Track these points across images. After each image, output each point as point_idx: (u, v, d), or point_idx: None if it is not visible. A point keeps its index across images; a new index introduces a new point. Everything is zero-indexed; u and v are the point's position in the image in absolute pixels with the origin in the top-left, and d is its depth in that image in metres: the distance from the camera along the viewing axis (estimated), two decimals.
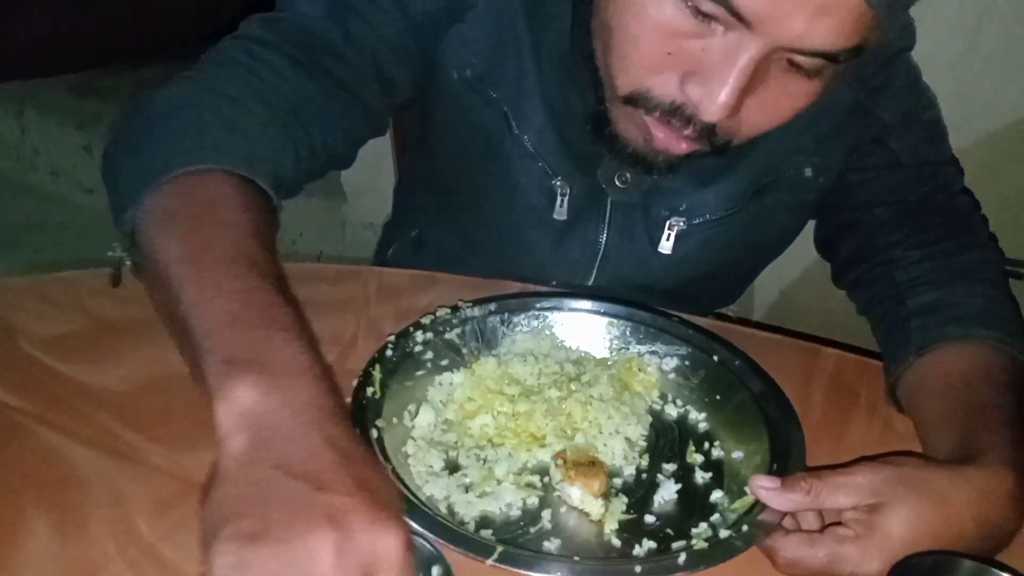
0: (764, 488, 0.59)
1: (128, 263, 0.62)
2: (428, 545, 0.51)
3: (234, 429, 0.45)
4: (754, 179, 0.84)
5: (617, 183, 0.82)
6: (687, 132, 0.65)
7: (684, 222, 0.84)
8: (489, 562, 0.54)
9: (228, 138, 0.63)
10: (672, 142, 0.67)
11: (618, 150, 0.72)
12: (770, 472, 0.63)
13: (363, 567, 0.41)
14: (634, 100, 0.66)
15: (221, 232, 0.55)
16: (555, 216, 0.85)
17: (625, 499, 0.63)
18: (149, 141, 0.62)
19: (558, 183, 0.83)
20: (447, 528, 0.56)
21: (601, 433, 0.67)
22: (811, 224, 0.95)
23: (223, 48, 0.70)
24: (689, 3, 0.59)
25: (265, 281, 0.53)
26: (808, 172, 0.84)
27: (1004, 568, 0.51)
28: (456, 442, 0.67)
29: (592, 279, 0.89)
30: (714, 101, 0.60)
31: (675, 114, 0.64)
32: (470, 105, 0.82)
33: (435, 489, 0.62)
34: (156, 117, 0.64)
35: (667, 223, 0.84)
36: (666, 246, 0.85)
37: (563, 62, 0.76)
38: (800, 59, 0.60)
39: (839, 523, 0.58)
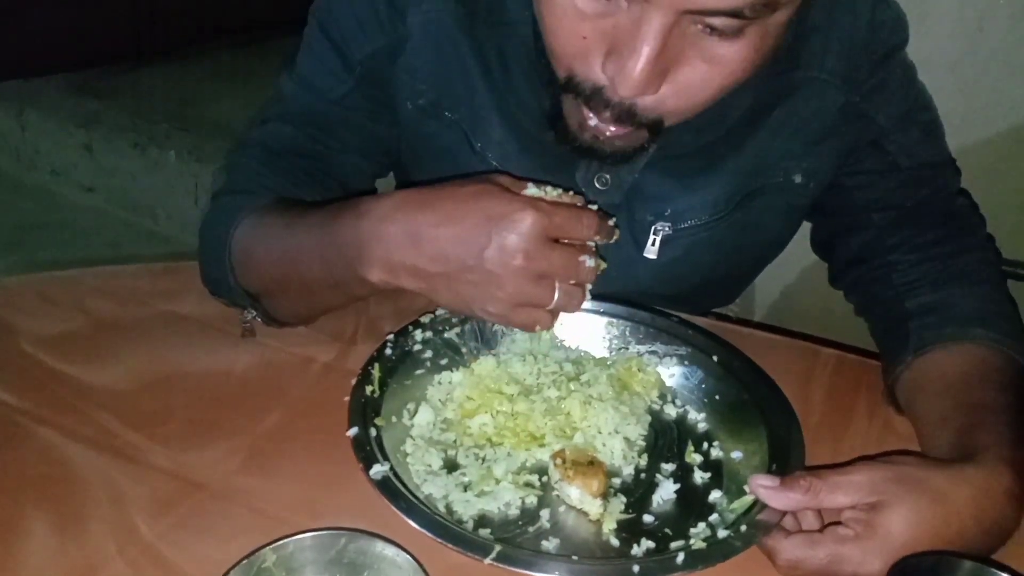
0: (763, 487, 0.59)
1: (258, 317, 0.78)
2: (407, 556, 0.50)
3: (389, 271, 0.63)
4: (741, 184, 0.83)
5: (597, 185, 0.82)
6: (605, 115, 0.64)
7: (670, 227, 0.84)
8: (487, 561, 0.54)
9: (249, 199, 0.77)
10: (598, 126, 0.67)
11: (569, 142, 0.72)
12: (769, 472, 0.63)
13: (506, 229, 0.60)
14: (568, 87, 0.66)
15: (275, 223, 0.73)
16: None
17: (624, 499, 0.63)
18: (211, 240, 0.78)
19: None
20: (445, 527, 0.56)
21: (600, 433, 0.67)
22: (809, 224, 0.94)
23: (230, 158, 0.85)
24: None
25: (312, 214, 0.71)
26: (798, 178, 0.83)
27: (1003, 568, 0.51)
28: (455, 441, 0.67)
29: None
30: (627, 75, 0.59)
31: (595, 97, 0.64)
32: (431, 131, 0.84)
33: (434, 488, 0.62)
34: (203, 230, 0.80)
35: (652, 228, 0.84)
36: (651, 251, 0.84)
37: (532, 66, 0.76)
38: (712, 21, 0.58)
39: (838, 523, 0.58)
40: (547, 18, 0.64)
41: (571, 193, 0.66)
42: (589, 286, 0.66)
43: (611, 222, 0.67)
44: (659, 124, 0.66)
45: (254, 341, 0.78)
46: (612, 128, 0.66)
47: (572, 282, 0.63)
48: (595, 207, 0.66)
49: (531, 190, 0.64)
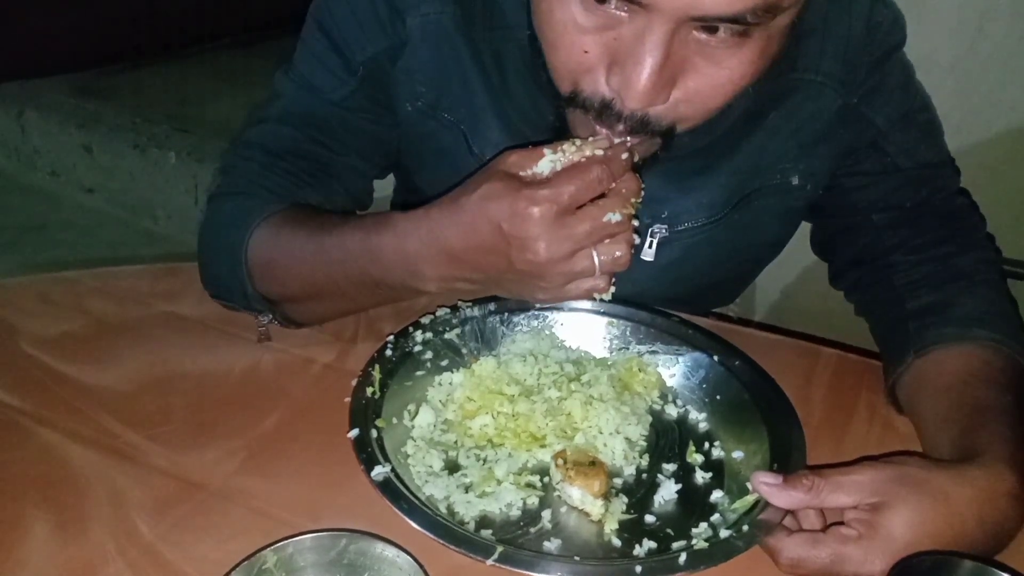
0: (766, 484, 0.59)
1: (274, 320, 0.78)
2: (408, 557, 0.50)
3: (442, 283, 0.66)
4: (738, 187, 0.83)
5: None
6: (620, 128, 0.64)
7: (666, 229, 0.84)
8: (489, 562, 0.54)
9: (259, 204, 0.77)
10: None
11: None
12: (770, 472, 0.62)
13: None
14: (574, 103, 0.66)
15: (298, 236, 0.74)
16: None
17: (625, 499, 0.63)
18: (218, 246, 0.78)
19: None
20: (447, 528, 0.56)
21: (601, 433, 0.67)
22: (809, 224, 0.94)
23: (226, 158, 0.84)
24: None
25: (341, 230, 0.71)
26: (795, 180, 0.83)
27: (1004, 568, 0.51)
28: (456, 442, 0.67)
29: None
30: (633, 87, 0.59)
31: (606, 111, 0.64)
32: (430, 131, 0.84)
33: (435, 489, 0.62)
34: (205, 234, 0.80)
35: (649, 230, 0.83)
36: (648, 253, 0.84)
37: (529, 70, 0.76)
38: (715, 27, 0.58)
39: (840, 523, 0.58)
40: (547, 34, 0.63)
41: (590, 139, 0.64)
42: (636, 237, 0.64)
43: (624, 156, 0.64)
44: (672, 131, 0.66)
45: (254, 342, 0.78)
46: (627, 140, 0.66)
47: (607, 241, 0.62)
48: (618, 140, 0.64)
49: (547, 158, 0.62)
